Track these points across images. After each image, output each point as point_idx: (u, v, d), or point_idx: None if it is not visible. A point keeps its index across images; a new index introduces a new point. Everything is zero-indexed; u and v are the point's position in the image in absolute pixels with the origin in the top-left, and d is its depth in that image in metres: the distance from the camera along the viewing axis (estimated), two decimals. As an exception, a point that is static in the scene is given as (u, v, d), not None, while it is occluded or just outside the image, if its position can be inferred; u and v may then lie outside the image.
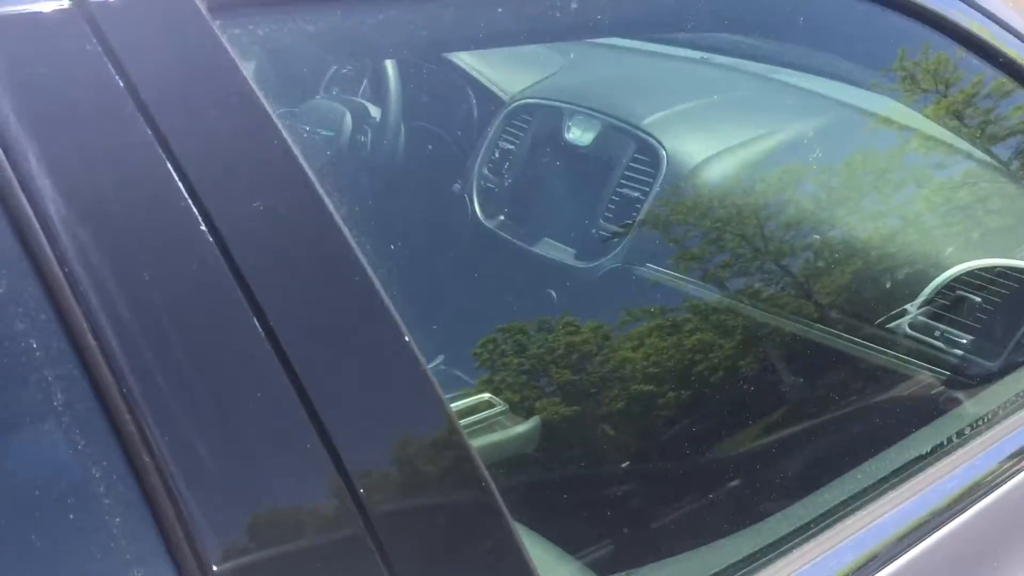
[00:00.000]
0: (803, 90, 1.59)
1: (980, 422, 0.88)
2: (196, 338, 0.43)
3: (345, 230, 0.47)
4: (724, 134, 1.42)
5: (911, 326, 1.12)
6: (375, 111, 1.64)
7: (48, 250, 0.42)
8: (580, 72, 1.70)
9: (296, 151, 0.48)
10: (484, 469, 0.48)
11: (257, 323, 0.44)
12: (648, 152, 1.41)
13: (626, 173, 1.43)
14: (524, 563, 0.48)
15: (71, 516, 0.40)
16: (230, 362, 0.43)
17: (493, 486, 0.48)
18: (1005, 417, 0.87)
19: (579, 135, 1.52)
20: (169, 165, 0.45)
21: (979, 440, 0.82)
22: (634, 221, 1.37)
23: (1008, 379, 0.99)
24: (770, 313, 1.12)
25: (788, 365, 1.09)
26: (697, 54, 1.53)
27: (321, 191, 0.47)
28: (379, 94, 1.64)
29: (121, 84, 0.45)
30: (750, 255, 1.18)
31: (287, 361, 0.44)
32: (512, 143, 1.56)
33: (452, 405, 0.54)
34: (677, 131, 1.43)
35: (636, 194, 1.40)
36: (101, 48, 0.46)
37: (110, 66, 0.46)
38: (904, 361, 1.08)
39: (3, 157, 0.42)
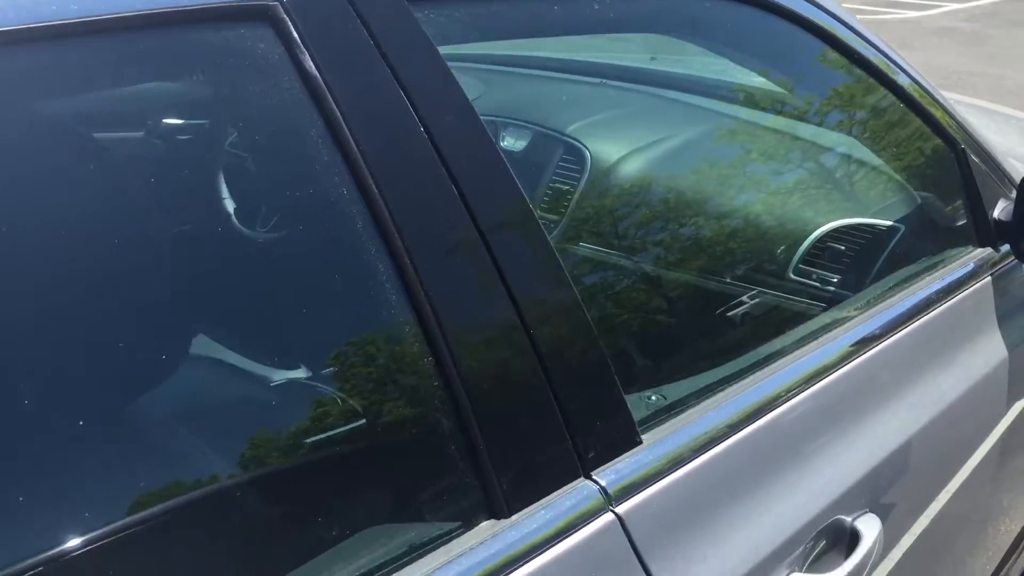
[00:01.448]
0: (688, 103, 1.96)
1: (831, 325, 1.19)
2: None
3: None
4: (634, 137, 1.75)
5: (795, 272, 1.46)
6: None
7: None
8: (500, 95, 2.00)
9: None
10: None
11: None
12: (574, 152, 1.73)
13: (557, 171, 1.73)
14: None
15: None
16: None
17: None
18: (850, 319, 1.18)
19: (513, 143, 1.82)
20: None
21: (829, 335, 1.13)
22: (567, 209, 1.68)
23: (856, 296, 1.31)
24: (682, 272, 1.43)
25: (701, 309, 1.39)
26: (596, 79, 1.89)
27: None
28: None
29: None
30: (664, 228, 1.50)
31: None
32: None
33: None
34: (596, 136, 1.75)
35: (566, 187, 1.71)
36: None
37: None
38: (790, 298, 1.41)
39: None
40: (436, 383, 0.68)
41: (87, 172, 0.66)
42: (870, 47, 1.25)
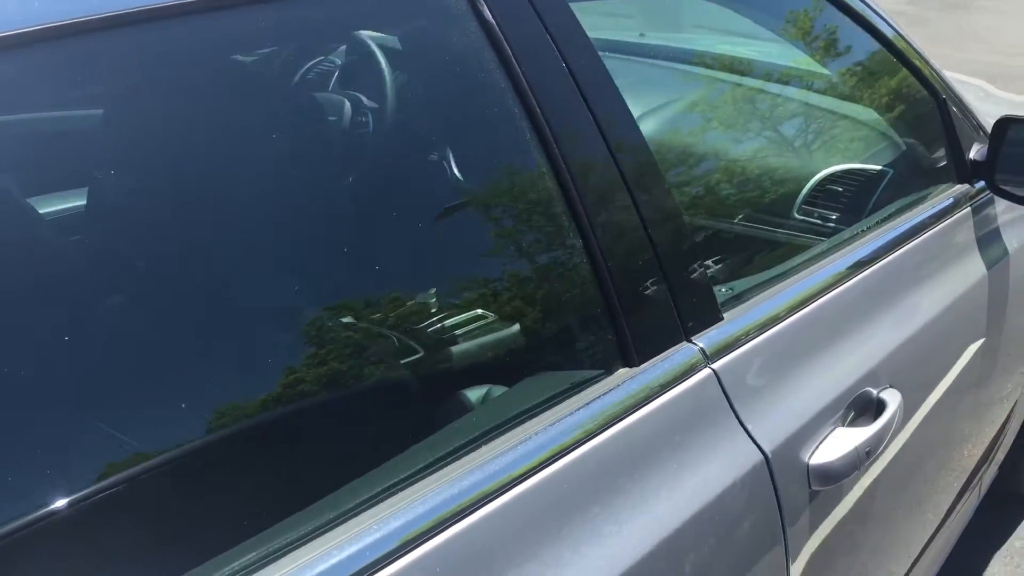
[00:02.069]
0: (688, 72, 2.19)
1: (840, 246, 1.40)
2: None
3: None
4: (644, 102, 1.96)
5: (799, 211, 1.68)
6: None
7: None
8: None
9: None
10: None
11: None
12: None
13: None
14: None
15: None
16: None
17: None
18: (842, 247, 1.39)
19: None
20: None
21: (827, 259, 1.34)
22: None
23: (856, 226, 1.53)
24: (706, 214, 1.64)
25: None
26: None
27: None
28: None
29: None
30: (687, 175, 1.71)
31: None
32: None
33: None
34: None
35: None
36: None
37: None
38: (796, 232, 1.63)
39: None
40: (590, 267, 0.89)
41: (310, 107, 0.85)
42: (866, 6, 1.47)
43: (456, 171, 0.95)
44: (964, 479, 1.70)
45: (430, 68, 0.96)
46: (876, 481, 1.19)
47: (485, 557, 0.74)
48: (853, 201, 1.62)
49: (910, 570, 1.47)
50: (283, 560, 0.67)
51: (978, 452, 1.69)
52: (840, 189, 1.68)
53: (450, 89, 0.91)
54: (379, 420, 0.84)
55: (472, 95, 0.89)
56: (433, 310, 0.88)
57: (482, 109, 0.89)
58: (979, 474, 1.89)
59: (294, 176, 0.84)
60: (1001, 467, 2.21)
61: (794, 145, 1.78)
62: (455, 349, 0.88)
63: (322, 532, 0.70)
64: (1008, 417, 1.93)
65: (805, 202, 1.67)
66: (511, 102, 0.85)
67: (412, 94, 1.04)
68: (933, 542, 1.58)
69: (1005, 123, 1.53)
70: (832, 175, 1.68)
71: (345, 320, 0.84)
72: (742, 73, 1.90)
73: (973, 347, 1.49)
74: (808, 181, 1.68)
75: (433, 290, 0.90)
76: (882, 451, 1.14)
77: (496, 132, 0.89)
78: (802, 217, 1.66)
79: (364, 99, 1.23)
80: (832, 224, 1.61)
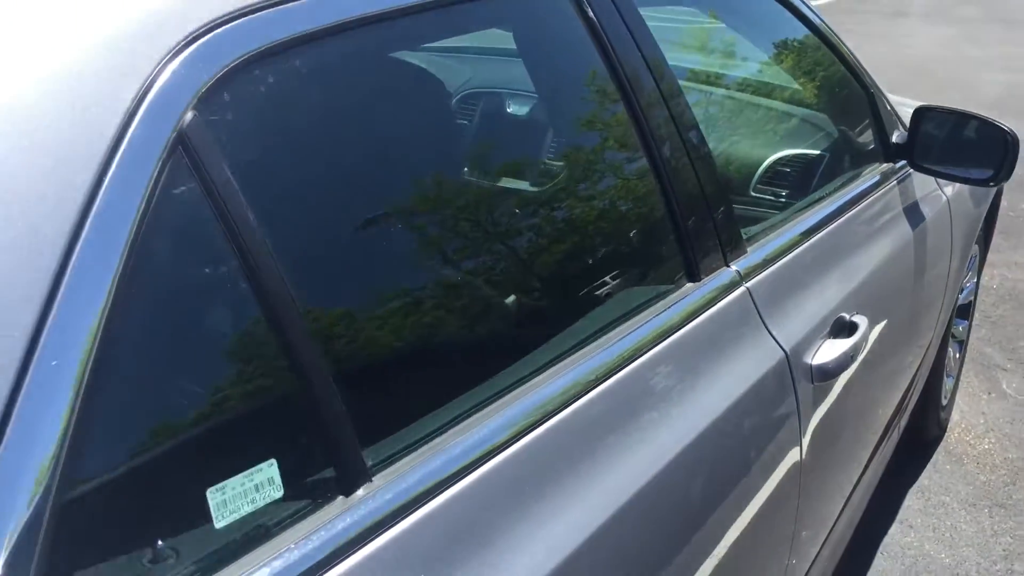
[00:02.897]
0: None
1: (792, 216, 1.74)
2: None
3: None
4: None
5: (754, 190, 2.00)
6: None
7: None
8: (488, 75, 2.47)
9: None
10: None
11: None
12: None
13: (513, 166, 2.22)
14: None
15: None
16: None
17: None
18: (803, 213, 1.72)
19: (516, 108, 2.29)
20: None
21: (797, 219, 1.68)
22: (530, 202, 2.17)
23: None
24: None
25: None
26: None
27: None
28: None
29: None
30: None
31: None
32: (466, 119, 2.30)
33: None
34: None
35: (524, 185, 2.20)
36: None
37: None
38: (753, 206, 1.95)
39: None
40: (666, 208, 1.16)
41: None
42: (808, 9, 1.80)
43: (574, 137, 1.23)
44: (888, 418, 2.05)
45: (549, 56, 1.22)
46: (848, 387, 1.51)
47: (603, 421, 0.98)
48: (799, 179, 1.95)
49: (848, 497, 1.80)
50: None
51: (898, 395, 2.05)
52: (789, 170, 2.01)
53: (565, 71, 1.17)
54: (511, 327, 1.08)
55: (580, 76, 1.15)
56: (555, 241, 1.14)
57: (588, 87, 1.16)
58: (898, 416, 2.26)
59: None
60: (912, 414, 2.60)
61: (749, 134, 2.11)
62: (571, 271, 1.14)
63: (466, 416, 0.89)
64: (919, 366, 2.29)
65: (760, 182, 1.99)
66: (609, 81, 1.13)
67: (540, 78, 1.31)
68: (863, 478, 1.91)
69: (921, 111, 1.88)
70: (781, 159, 2.01)
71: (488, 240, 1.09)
72: (700, 77, 2.22)
73: (906, 289, 1.84)
74: (761, 165, 2.00)
75: (560, 223, 1.16)
76: (859, 360, 1.45)
77: (600, 105, 1.16)
78: (756, 195, 1.99)
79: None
80: (783, 198, 1.94)
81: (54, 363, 0.55)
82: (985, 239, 3.02)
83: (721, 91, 2.14)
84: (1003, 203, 5.04)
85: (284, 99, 0.78)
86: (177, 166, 0.64)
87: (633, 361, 1.04)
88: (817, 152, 2.02)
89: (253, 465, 0.65)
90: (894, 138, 1.98)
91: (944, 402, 2.88)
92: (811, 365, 1.33)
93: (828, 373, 1.34)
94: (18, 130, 0.59)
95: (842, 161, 1.96)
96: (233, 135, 0.70)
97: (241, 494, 0.64)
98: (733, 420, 1.14)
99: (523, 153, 1.43)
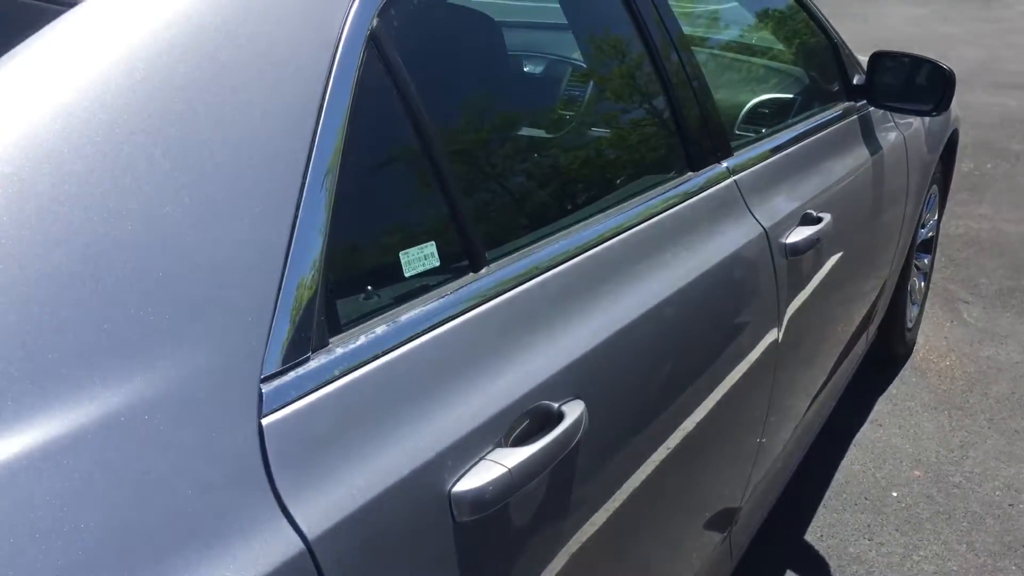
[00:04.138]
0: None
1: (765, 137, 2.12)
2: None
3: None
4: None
5: (738, 129, 2.38)
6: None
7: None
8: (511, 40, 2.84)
9: None
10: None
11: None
12: (580, 71, 2.59)
13: (569, 83, 2.59)
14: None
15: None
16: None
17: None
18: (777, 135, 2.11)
19: (533, 68, 2.66)
20: None
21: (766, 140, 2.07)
22: (581, 106, 2.54)
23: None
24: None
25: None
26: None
27: None
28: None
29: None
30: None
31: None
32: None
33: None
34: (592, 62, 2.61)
35: (577, 93, 2.57)
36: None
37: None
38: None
39: None
40: (674, 120, 1.54)
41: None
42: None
43: (611, 70, 1.62)
44: (854, 327, 2.44)
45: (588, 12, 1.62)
46: (819, 278, 1.88)
47: (621, 260, 1.34)
48: (776, 117, 2.33)
49: (816, 395, 2.17)
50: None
51: (864, 306, 2.44)
52: (767, 111, 2.39)
53: (600, 21, 1.56)
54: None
55: (612, 23, 1.54)
56: (600, 135, 1.51)
57: (620, 34, 1.55)
58: (866, 326, 2.64)
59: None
60: (881, 331, 2.99)
61: (730, 85, 2.49)
62: (607, 155, 1.52)
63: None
64: (884, 282, 2.68)
65: (743, 122, 2.37)
66: (633, 29, 1.51)
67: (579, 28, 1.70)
68: (831, 379, 2.30)
69: (877, 56, 2.27)
70: (760, 102, 2.39)
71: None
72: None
73: (866, 202, 2.22)
74: (743, 108, 2.38)
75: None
76: (825, 250, 1.83)
77: (627, 45, 1.55)
78: (740, 132, 2.37)
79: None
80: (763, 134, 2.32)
81: (318, 192, 0.90)
82: (944, 182, 3.40)
83: (707, 51, 2.52)
84: (970, 165, 5.46)
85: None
86: (370, 58, 1.01)
87: (644, 222, 1.40)
88: (790, 95, 2.40)
89: (422, 243, 1.03)
90: (855, 81, 2.36)
91: (910, 325, 3.27)
92: (785, 244, 1.71)
93: (799, 250, 1.72)
94: (275, 30, 0.95)
95: (811, 101, 2.34)
96: (407, 34, 1.07)
97: (418, 259, 1.01)
98: (722, 274, 1.51)
99: (575, 79, 1.82)
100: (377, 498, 0.85)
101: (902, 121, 2.58)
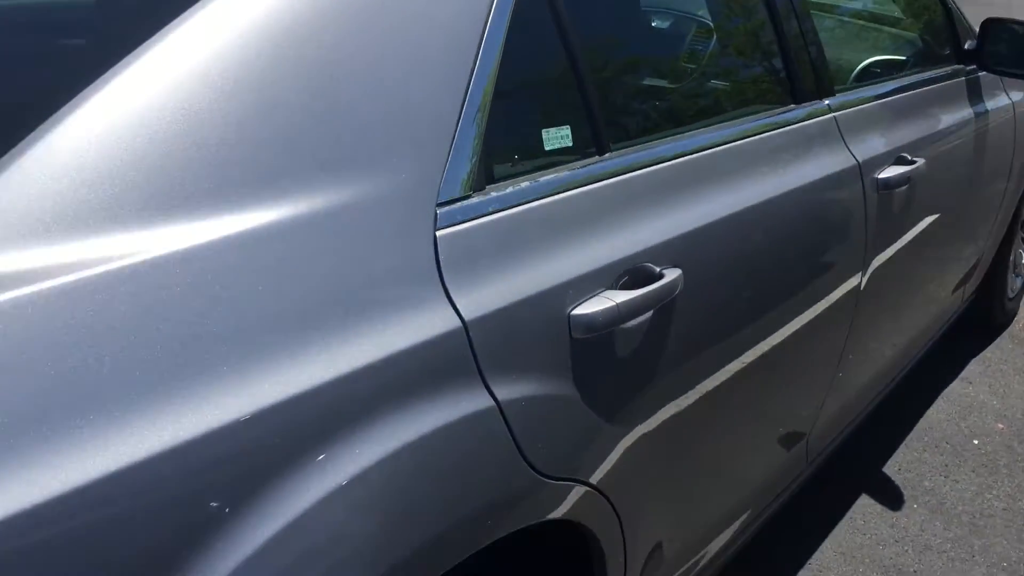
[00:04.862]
0: None
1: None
2: None
3: None
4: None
5: (855, 80, 2.55)
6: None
7: None
8: None
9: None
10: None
11: None
12: (705, 28, 2.80)
13: (694, 38, 2.80)
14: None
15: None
16: None
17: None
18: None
19: (660, 23, 2.88)
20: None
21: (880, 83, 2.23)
22: (702, 59, 2.75)
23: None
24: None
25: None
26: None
27: None
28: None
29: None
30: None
31: None
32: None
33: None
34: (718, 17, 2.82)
35: (700, 48, 2.78)
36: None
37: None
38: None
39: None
40: (783, 60, 1.76)
41: None
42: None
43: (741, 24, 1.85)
44: (950, 283, 2.59)
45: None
46: (912, 227, 2.06)
47: (735, 162, 1.57)
48: (885, 76, 2.49)
49: (904, 348, 2.34)
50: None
51: (961, 267, 2.59)
52: (878, 70, 2.55)
53: None
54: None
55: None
56: (730, 69, 1.74)
57: None
58: (962, 287, 2.78)
59: None
60: (979, 296, 3.10)
61: (848, 44, 2.66)
62: (733, 86, 1.75)
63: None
64: (982, 245, 2.81)
65: (855, 79, 2.54)
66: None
67: None
68: (919, 333, 2.45)
69: (989, 22, 2.40)
70: (872, 63, 2.56)
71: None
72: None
73: (966, 157, 2.37)
74: (856, 67, 2.55)
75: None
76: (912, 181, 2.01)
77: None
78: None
79: None
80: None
81: (485, 72, 1.16)
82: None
83: (827, 15, 2.69)
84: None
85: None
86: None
87: (745, 138, 1.63)
88: (902, 57, 2.56)
89: (560, 125, 1.29)
90: (966, 46, 2.50)
91: (1011, 295, 3.37)
92: (876, 178, 1.90)
93: (889, 184, 1.91)
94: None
95: (921, 61, 2.50)
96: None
97: (556, 137, 1.27)
98: (814, 194, 1.73)
99: (701, 31, 2.05)
100: (515, 304, 1.12)
101: (1017, 96, 2.70)
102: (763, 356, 1.65)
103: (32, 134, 0.84)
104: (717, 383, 1.54)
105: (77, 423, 0.76)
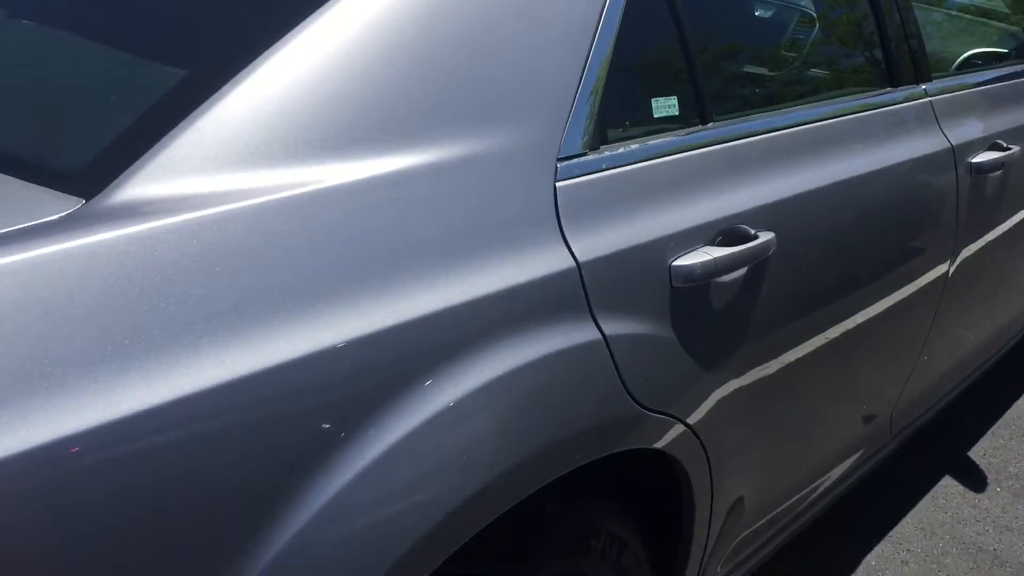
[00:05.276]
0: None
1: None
2: None
3: None
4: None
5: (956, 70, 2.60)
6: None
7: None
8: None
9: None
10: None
11: None
12: (807, 16, 2.87)
13: (795, 27, 2.88)
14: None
15: None
16: None
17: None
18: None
19: (762, 12, 2.96)
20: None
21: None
22: (805, 46, 2.83)
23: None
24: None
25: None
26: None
27: None
28: None
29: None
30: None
31: None
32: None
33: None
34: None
35: (801, 37, 2.86)
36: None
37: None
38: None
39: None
40: (881, 45, 1.84)
41: None
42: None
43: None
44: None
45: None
46: (1004, 219, 2.12)
47: (838, 136, 1.67)
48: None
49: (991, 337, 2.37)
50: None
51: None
52: (980, 62, 2.60)
53: None
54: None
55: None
56: (836, 56, 1.84)
57: None
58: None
59: None
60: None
61: (950, 34, 2.70)
62: (836, 67, 1.85)
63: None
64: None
65: (957, 68, 2.59)
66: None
67: None
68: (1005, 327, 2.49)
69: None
70: (974, 54, 2.60)
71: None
72: None
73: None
74: (958, 58, 2.60)
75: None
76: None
77: None
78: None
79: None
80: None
81: (604, 45, 1.30)
82: None
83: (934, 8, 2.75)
84: None
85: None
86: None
87: (841, 116, 1.73)
88: (1004, 50, 2.60)
89: (667, 96, 1.41)
90: (1071, 40, 2.52)
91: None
92: (970, 162, 1.97)
93: (983, 169, 1.98)
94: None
95: (1019, 56, 2.54)
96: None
97: (664, 106, 1.40)
98: (906, 173, 1.81)
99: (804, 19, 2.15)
100: (623, 251, 1.25)
101: None
102: (850, 330, 1.75)
103: (236, 76, 1.01)
104: (805, 349, 1.64)
105: (242, 323, 0.91)
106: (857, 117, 1.74)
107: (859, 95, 1.81)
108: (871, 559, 2.19)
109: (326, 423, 0.94)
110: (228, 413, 0.87)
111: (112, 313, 0.83)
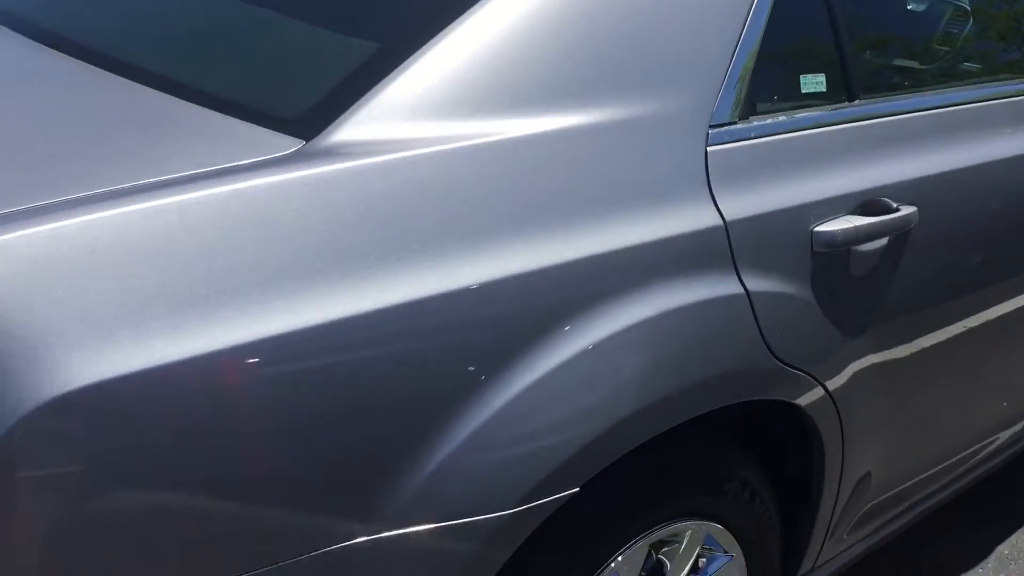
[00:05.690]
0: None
1: None
2: None
3: None
4: None
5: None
6: None
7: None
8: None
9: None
10: None
11: None
12: (961, 10, 2.86)
13: (949, 21, 2.87)
14: None
15: None
16: None
17: None
18: None
19: (917, 6, 2.97)
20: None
21: None
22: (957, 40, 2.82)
23: None
24: None
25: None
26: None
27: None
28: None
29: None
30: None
31: None
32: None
33: None
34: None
35: (955, 31, 2.85)
36: None
37: None
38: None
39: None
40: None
41: None
42: None
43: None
44: None
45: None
46: None
47: (959, 125, 1.71)
48: None
49: None
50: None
51: None
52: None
53: None
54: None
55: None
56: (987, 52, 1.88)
57: None
58: None
59: None
60: None
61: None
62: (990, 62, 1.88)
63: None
64: None
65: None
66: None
67: None
68: None
69: None
70: None
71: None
72: None
73: None
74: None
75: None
76: None
77: None
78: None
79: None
80: None
81: (758, 21, 1.39)
82: None
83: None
84: None
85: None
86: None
87: (990, 100, 1.77)
88: None
89: (815, 73, 1.50)
90: None
91: None
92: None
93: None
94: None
95: None
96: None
97: (812, 83, 1.49)
98: None
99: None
100: (767, 214, 1.35)
101: None
102: (992, 317, 1.78)
103: (432, 39, 1.16)
104: (945, 332, 1.69)
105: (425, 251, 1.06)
106: (1006, 102, 1.77)
107: (1008, 82, 1.83)
108: (1004, 548, 2.19)
109: (510, 334, 1.10)
110: (446, 314, 1.05)
111: (338, 229, 1.01)
